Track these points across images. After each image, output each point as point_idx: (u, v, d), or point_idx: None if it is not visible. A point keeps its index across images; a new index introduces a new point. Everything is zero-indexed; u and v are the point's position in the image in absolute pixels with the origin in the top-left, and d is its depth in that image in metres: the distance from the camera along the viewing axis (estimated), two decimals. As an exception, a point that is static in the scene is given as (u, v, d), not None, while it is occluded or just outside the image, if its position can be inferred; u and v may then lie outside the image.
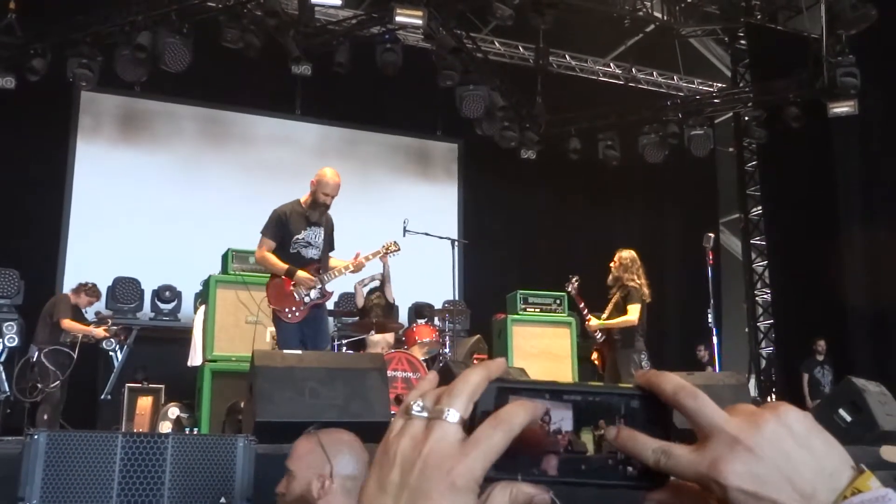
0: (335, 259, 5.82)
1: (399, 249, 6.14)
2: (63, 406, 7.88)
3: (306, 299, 5.50)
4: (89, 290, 8.41)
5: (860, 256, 11.00)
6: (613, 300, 7.05)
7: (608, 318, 7.02)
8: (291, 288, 5.49)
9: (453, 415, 0.58)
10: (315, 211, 5.62)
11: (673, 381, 0.59)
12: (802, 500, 0.54)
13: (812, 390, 10.30)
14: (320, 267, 5.64)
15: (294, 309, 5.49)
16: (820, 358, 10.55)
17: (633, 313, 6.86)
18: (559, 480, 0.60)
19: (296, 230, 5.56)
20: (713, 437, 0.57)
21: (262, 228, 5.57)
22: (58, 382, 7.68)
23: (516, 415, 0.58)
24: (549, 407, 0.61)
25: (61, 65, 9.00)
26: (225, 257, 7.29)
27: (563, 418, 0.61)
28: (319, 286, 5.56)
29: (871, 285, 10.81)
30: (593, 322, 7.06)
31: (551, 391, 0.62)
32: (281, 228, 5.53)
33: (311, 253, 5.63)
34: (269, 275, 5.71)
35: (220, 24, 9.10)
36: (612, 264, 7.20)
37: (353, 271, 5.82)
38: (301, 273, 5.47)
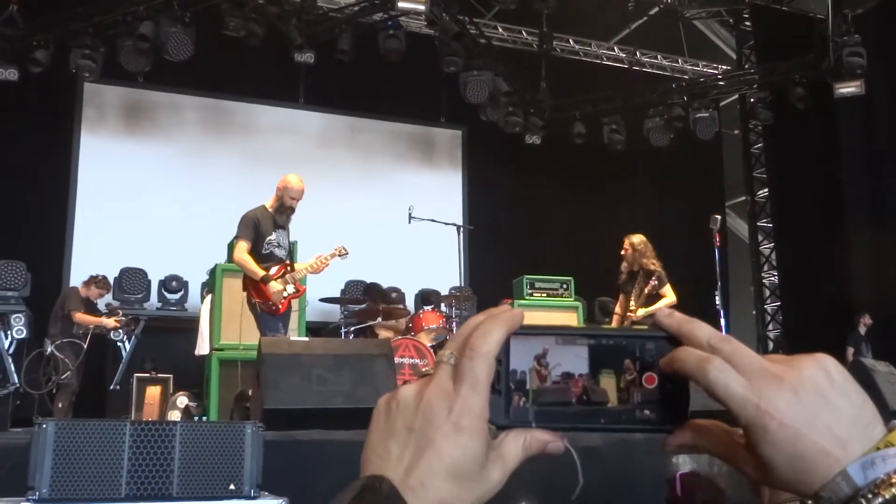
0: (297, 263, 6.22)
1: (348, 254, 6.31)
2: (74, 396, 7.93)
3: (284, 294, 5.92)
4: (99, 282, 8.44)
5: (867, 237, 10.96)
6: (640, 286, 6.90)
7: (644, 306, 6.83)
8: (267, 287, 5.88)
9: (454, 358, 0.57)
10: (282, 215, 6.06)
11: (706, 328, 0.58)
12: (838, 447, 0.53)
13: None
14: (289, 266, 6.03)
15: (277, 302, 5.90)
16: (863, 332, 10.27)
17: (671, 294, 6.91)
18: (574, 427, 0.58)
19: (266, 232, 5.96)
20: (754, 376, 0.54)
21: (238, 233, 5.95)
22: (69, 373, 7.72)
23: (488, 334, 0.56)
24: (548, 349, 0.58)
25: (64, 56, 8.98)
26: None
27: (576, 362, 0.59)
28: (292, 283, 5.95)
29: (878, 266, 10.78)
30: (640, 311, 6.84)
31: (563, 335, 0.59)
32: (255, 231, 5.91)
33: (281, 253, 6.02)
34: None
35: (223, 13, 9.06)
36: (624, 252, 7.07)
37: (313, 272, 6.18)
38: (272, 285, 5.83)
